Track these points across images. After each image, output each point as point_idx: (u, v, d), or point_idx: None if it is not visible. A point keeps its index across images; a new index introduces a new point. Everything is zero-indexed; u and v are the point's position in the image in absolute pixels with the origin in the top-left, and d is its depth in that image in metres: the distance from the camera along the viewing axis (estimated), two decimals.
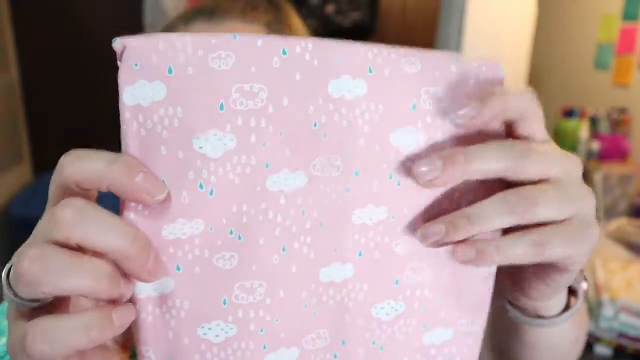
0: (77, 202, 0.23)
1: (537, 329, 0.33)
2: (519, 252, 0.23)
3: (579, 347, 0.41)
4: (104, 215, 0.22)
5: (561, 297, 0.32)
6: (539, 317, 0.32)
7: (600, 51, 1.69)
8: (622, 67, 1.58)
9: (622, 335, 0.87)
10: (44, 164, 2.21)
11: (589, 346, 0.91)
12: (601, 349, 0.90)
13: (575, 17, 1.84)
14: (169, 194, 0.23)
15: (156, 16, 2.04)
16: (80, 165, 0.23)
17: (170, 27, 0.58)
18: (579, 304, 0.32)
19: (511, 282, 0.30)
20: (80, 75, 2.22)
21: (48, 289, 0.22)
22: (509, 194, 0.23)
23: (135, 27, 2.10)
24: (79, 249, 0.22)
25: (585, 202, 0.24)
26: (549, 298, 0.29)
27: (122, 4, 2.20)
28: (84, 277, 0.22)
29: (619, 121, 1.51)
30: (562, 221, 0.24)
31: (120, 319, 0.23)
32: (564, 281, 0.27)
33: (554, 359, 0.39)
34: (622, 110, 1.54)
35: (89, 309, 0.23)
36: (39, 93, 2.22)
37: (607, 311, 0.86)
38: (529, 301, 0.30)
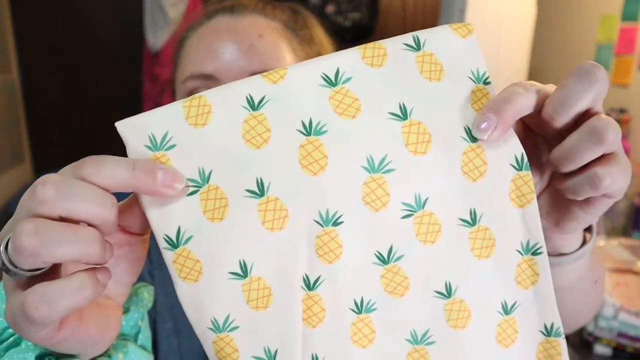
0: (54, 178, 0.24)
1: (558, 268, 0.36)
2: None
3: (599, 290, 0.44)
4: (81, 187, 0.24)
5: (579, 235, 0.35)
6: (561, 255, 0.35)
7: (599, 52, 1.70)
8: (621, 68, 1.59)
9: (621, 334, 0.87)
10: (45, 164, 2.21)
11: (588, 346, 0.92)
12: (601, 349, 0.90)
13: (575, 17, 1.84)
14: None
15: (156, 16, 2.04)
16: (105, 174, 0.25)
17: (190, 25, 0.60)
18: (594, 237, 0.36)
19: (552, 217, 0.33)
20: (81, 75, 2.22)
21: (48, 258, 0.23)
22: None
23: (136, 27, 2.10)
24: (62, 219, 0.24)
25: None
26: (577, 230, 0.33)
27: (122, 4, 2.20)
28: (79, 244, 0.24)
29: (618, 121, 1.51)
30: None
31: (104, 279, 0.25)
32: (603, 210, 0.30)
33: (577, 299, 0.41)
34: (622, 111, 1.54)
35: (79, 272, 0.25)
36: (40, 93, 2.22)
37: (607, 311, 0.86)
38: (560, 236, 0.33)
